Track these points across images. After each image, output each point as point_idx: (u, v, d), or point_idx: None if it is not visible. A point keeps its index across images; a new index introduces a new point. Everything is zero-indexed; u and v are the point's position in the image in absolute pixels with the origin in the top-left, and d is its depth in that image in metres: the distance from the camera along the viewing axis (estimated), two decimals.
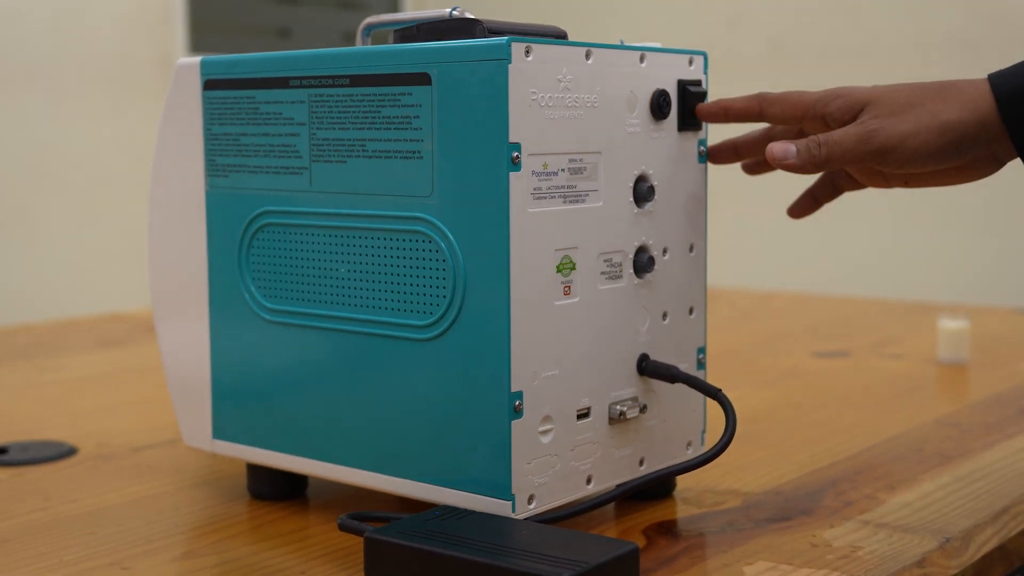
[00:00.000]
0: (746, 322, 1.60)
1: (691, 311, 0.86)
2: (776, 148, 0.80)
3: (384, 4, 3.92)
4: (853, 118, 0.81)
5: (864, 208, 3.15)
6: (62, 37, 3.09)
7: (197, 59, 0.87)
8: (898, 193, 3.03)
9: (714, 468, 0.92)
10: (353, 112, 0.78)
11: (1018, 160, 0.81)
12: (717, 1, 3.39)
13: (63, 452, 1.01)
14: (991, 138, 0.78)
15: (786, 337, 1.51)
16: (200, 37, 3.40)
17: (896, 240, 3.04)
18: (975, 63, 2.97)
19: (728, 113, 0.84)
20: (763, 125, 0.89)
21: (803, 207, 0.92)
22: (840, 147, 0.79)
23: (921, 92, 0.79)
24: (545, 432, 0.75)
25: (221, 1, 3.51)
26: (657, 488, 0.87)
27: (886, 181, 0.86)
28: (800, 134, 0.87)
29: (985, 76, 0.79)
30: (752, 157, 0.90)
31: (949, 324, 1.34)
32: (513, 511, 0.73)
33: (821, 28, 3.22)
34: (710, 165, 0.88)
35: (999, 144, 0.79)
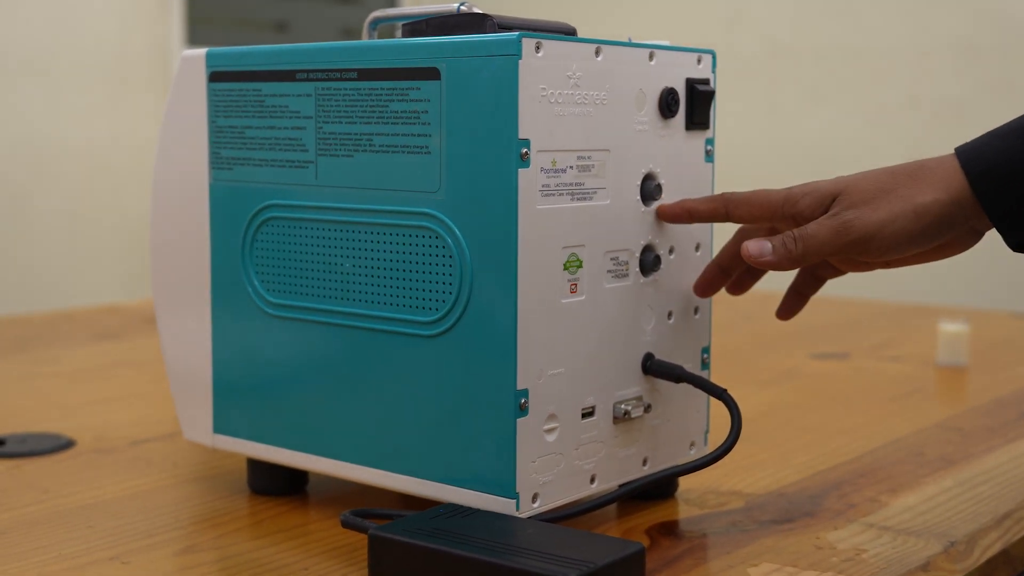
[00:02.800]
0: (746, 323, 1.59)
1: (696, 311, 0.86)
2: (751, 246, 0.78)
3: None
4: (824, 212, 0.79)
5: None
6: (59, 29, 3.08)
7: (203, 51, 0.86)
8: None
9: (716, 469, 0.92)
10: (360, 106, 0.78)
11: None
12: (717, 1, 3.38)
13: (61, 445, 1.01)
14: (967, 214, 0.77)
15: (785, 339, 1.51)
16: (197, 30, 3.39)
17: None
18: (973, 64, 2.98)
19: (693, 215, 0.81)
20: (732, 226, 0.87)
21: (791, 305, 0.88)
22: (816, 241, 0.77)
23: (891, 177, 0.78)
24: (550, 431, 0.75)
25: None
26: (660, 488, 0.86)
27: (868, 266, 0.83)
28: (772, 231, 0.85)
29: (952, 151, 0.78)
30: (737, 269, 0.86)
31: (949, 327, 1.34)
32: (517, 509, 0.73)
33: (820, 28, 3.22)
34: (716, 165, 0.88)
35: (976, 219, 0.77)
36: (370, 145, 0.78)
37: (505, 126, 0.71)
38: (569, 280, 0.75)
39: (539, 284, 0.73)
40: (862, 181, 0.78)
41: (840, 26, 3.19)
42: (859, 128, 3.15)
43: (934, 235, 0.77)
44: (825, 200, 0.79)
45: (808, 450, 1.00)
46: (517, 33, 0.71)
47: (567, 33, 0.79)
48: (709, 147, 0.85)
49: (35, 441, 1.02)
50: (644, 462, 0.82)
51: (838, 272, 0.86)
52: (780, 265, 0.79)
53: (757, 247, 0.78)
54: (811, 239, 0.77)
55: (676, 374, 0.82)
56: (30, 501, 0.86)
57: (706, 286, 0.85)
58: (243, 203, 0.85)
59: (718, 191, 0.84)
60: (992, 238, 0.81)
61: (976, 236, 0.80)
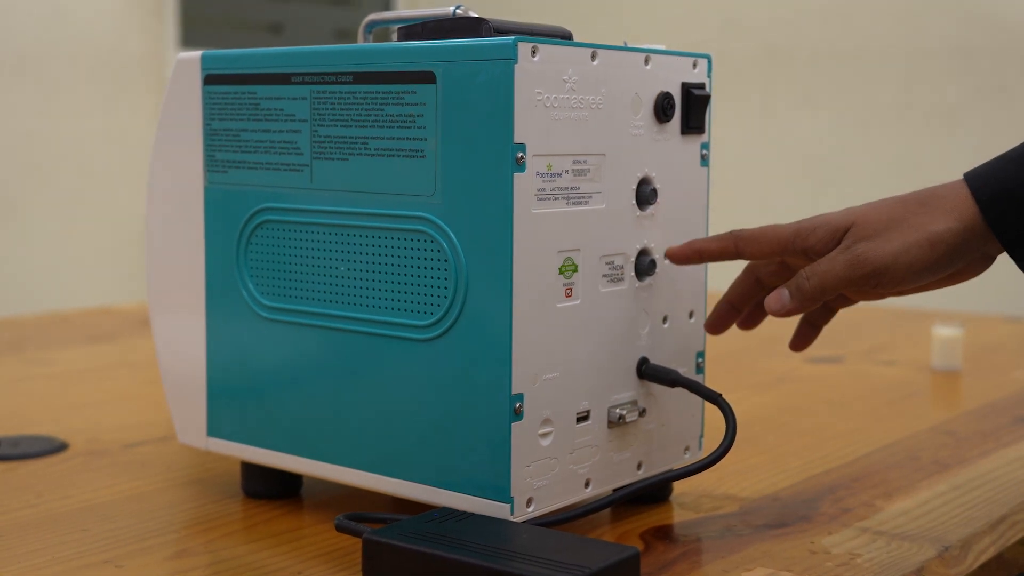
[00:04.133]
0: None
1: (691, 315, 0.86)
2: (771, 301, 0.78)
3: (377, 1, 3.91)
4: (836, 245, 0.78)
5: None
6: (52, 30, 3.08)
7: (198, 53, 0.86)
8: None
9: (711, 473, 0.92)
10: (356, 109, 0.78)
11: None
12: (712, 5, 3.39)
13: (54, 447, 1.00)
14: (980, 241, 0.76)
15: (780, 343, 1.51)
16: (191, 31, 3.38)
17: None
18: (966, 68, 2.98)
19: (703, 255, 0.81)
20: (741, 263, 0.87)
21: (804, 337, 0.88)
22: (831, 275, 0.77)
23: (902, 207, 0.78)
24: (545, 435, 0.75)
25: None
26: (654, 492, 0.86)
27: (880, 295, 0.83)
28: (782, 265, 0.84)
29: (961, 176, 0.78)
30: (747, 305, 0.86)
31: (943, 331, 1.34)
32: (512, 514, 0.73)
33: (815, 32, 3.22)
34: (712, 169, 0.88)
35: (988, 245, 0.77)
36: (365, 149, 0.78)
37: (500, 130, 0.71)
38: (564, 284, 0.75)
39: (534, 288, 0.73)
40: (872, 212, 0.78)
41: (834, 30, 3.19)
42: (853, 132, 3.15)
43: (948, 263, 0.77)
44: (837, 233, 0.78)
45: (802, 454, 1.00)
46: (513, 37, 0.71)
47: (563, 37, 0.79)
48: (704, 151, 0.85)
49: (28, 444, 1.01)
50: (639, 466, 0.82)
51: (850, 301, 0.86)
52: (801, 308, 0.78)
53: (777, 301, 0.78)
54: (826, 274, 0.77)
55: (671, 378, 0.82)
56: (23, 504, 0.86)
57: (717, 324, 0.86)
58: (238, 206, 0.84)
59: (713, 196, 0.84)
60: None
61: (988, 261, 0.80)
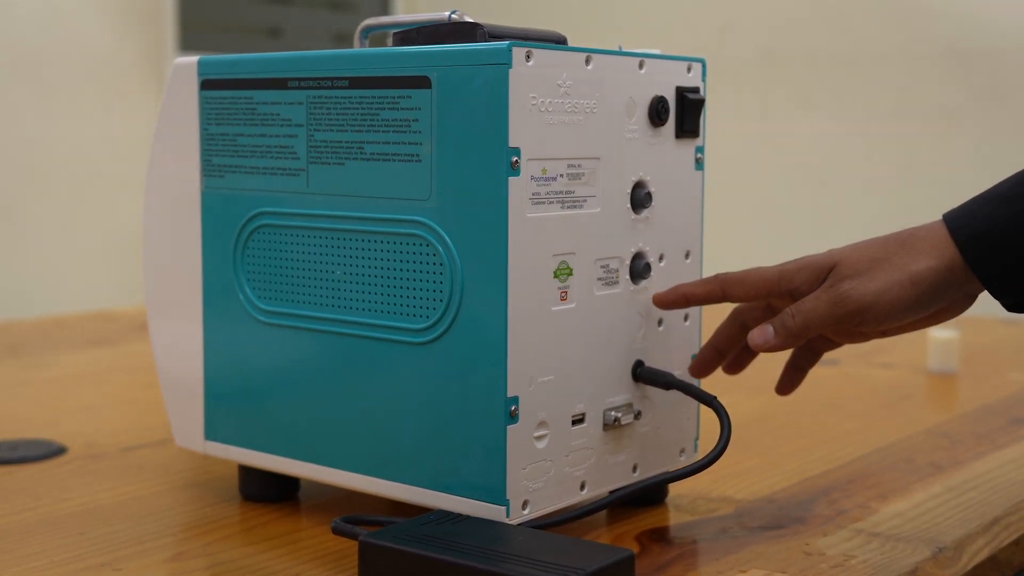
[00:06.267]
0: None
1: (686, 318, 0.86)
2: (756, 336, 0.79)
3: (375, 5, 3.92)
4: (820, 284, 0.79)
5: (853, 216, 3.15)
6: (50, 33, 3.08)
7: (195, 58, 0.87)
8: (888, 202, 3.04)
9: (706, 475, 0.92)
10: (352, 114, 0.78)
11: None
12: (709, 8, 3.39)
13: (52, 451, 1.01)
14: (960, 280, 0.77)
15: None
16: (190, 35, 3.39)
17: None
18: (964, 71, 2.99)
19: (690, 300, 0.82)
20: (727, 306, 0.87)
21: (790, 380, 0.89)
22: (815, 314, 0.78)
23: (883, 247, 0.79)
24: (540, 437, 0.75)
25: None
26: (650, 495, 0.86)
27: (864, 336, 0.84)
28: (768, 307, 0.85)
29: (940, 217, 0.79)
30: (733, 349, 0.87)
31: (939, 334, 1.34)
32: (507, 516, 0.73)
33: (812, 35, 3.23)
34: (707, 173, 0.88)
35: (969, 284, 0.78)
36: (361, 153, 0.78)
37: (495, 134, 0.72)
38: (559, 288, 0.76)
39: (529, 292, 0.74)
40: (855, 252, 0.79)
41: (831, 33, 3.20)
42: (850, 135, 3.16)
43: (929, 302, 0.78)
44: (820, 273, 0.80)
45: (798, 456, 1.00)
46: (507, 42, 0.72)
47: (557, 42, 0.79)
48: (699, 155, 0.86)
49: (26, 447, 1.02)
50: (634, 468, 0.83)
51: (835, 344, 0.86)
52: (785, 345, 0.79)
53: (761, 336, 0.79)
54: (809, 313, 0.78)
55: (666, 381, 0.82)
56: (22, 508, 0.86)
57: (703, 368, 0.86)
58: (234, 210, 0.85)
59: (710, 199, 0.84)
60: None
61: (970, 300, 0.81)
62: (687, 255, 0.85)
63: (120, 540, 0.80)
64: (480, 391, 0.73)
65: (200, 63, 0.86)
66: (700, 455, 0.87)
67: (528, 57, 0.72)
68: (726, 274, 0.82)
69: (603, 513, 0.84)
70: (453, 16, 0.78)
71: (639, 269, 0.81)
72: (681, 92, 0.83)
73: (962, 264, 0.77)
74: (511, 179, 0.72)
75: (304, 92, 0.80)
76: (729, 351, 0.86)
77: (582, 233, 0.77)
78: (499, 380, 0.73)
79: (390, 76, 0.76)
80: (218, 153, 0.86)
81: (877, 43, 3.12)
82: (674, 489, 0.90)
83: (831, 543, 0.79)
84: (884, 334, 0.83)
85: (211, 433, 0.88)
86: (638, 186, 0.81)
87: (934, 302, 0.78)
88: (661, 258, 0.83)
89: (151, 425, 1.09)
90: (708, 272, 0.88)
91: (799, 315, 0.78)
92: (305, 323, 0.81)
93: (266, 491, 0.87)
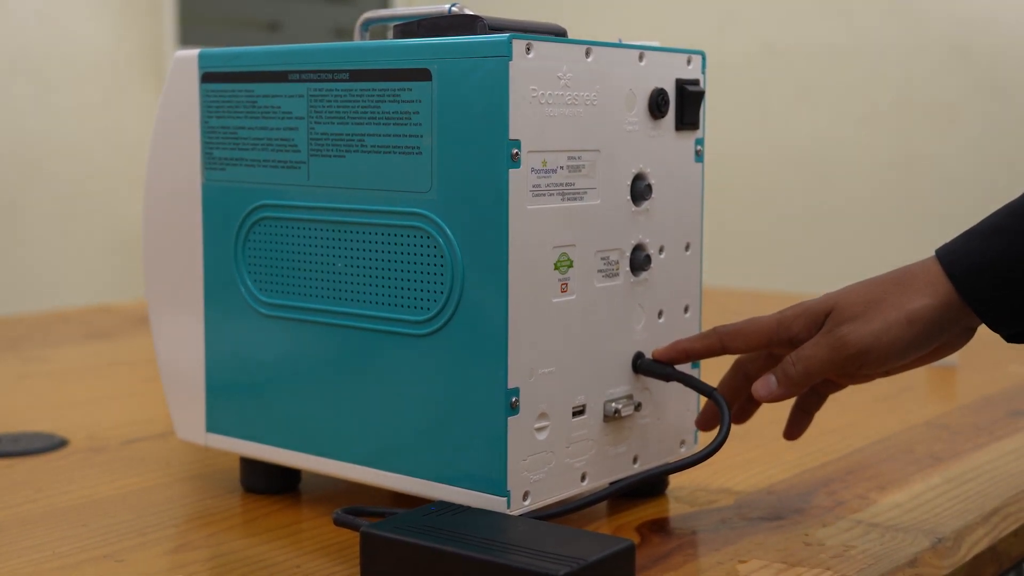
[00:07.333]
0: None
1: (686, 310, 0.86)
2: (759, 388, 0.80)
3: None
4: (819, 330, 0.79)
5: (855, 210, 3.15)
6: (50, 28, 3.08)
7: (195, 51, 0.87)
8: (888, 196, 3.04)
9: (706, 467, 0.93)
10: (352, 107, 0.78)
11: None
12: (709, 2, 3.39)
13: (54, 444, 1.01)
14: (957, 315, 0.77)
15: None
16: (189, 29, 3.39)
17: (886, 242, 3.05)
18: (964, 66, 2.99)
19: (689, 355, 0.82)
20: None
21: (798, 424, 0.88)
22: (815, 360, 0.78)
23: (879, 287, 0.79)
24: (541, 429, 0.75)
25: None
26: (650, 486, 0.87)
27: (868, 377, 0.84)
28: (769, 357, 0.85)
29: (932, 254, 0.79)
30: (737, 401, 0.87)
31: None
32: (508, 507, 0.74)
33: (811, 29, 3.22)
34: (707, 165, 0.88)
35: (966, 318, 0.78)
36: (362, 145, 0.78)
37: (495, 127, 0.72)
38: (560, 279, 0.76)
39: (530, 283, 0.74)
40: (850, 295, 0.79)
41: (831, 27, 3.20)
42: (850, 129, 3.16)
43: (928, 339, 0.78)
44: (818, 319, 0.80)
45: (798, 448, 1.01)
46: (507, 35, 0.72)
47: (557, 34, 0.79)
48: (699, 147, 0.86)
49: (28, 440, 1.02)
50: (634, 460, 0.83)
51: (839, 387, 0.86)
52: (789, 394, 0.79)
53: (764, 387, 0.80)
54: (810, 359, 0.78)
55: (666, 372, 0.82)
56: (24, 500, 0.87)
57: (707, 422, 0.86)
58: (235, 203, 0.85)
59: (710, 192, 0.84)
60: None
61: (970, 333, 0.81)
62: (687, 247, 0.86)
63: (122, 531, 0.80)
64: (481, 383, 0.74)
65: (201, 56, 0.86)
66: (700, 447, 0.87)
67: (528, 49, 0.73)
68: (724, 327, 0.83)
69: (603, 504, 0.85)
70: (453, 9, 0.78)
71: (639, 261, 0.81)
72: (681, 84, 0.83)
73: (958, 299, 0.77)
74: (511, 171, 0.72)
75: (305, 85, 0.81)
76: (734, 402, 0.86)
77: (582, 225, 0.77)
78: (500, 371, 0.73)
79: (390, 69, 0.76)
80: (219, 146, 0.86)
81: (876, 37, 3.12)
82: (674, 480, 0.90)
83: (830, 534, 0.79)
84: (888, 373, 0.83)
85: (212, 425, 0.88)
86: (638, 178, 0.81)
87: (933, 339, 0.78)
88: (661, 250, 0.83)
89: (152, 418, 1.09)
90: (707, 266, 0.88)
91: (800, 363, 0.78)
92: (306, 315, 0.82)
93: (267, 483, 0.88)
